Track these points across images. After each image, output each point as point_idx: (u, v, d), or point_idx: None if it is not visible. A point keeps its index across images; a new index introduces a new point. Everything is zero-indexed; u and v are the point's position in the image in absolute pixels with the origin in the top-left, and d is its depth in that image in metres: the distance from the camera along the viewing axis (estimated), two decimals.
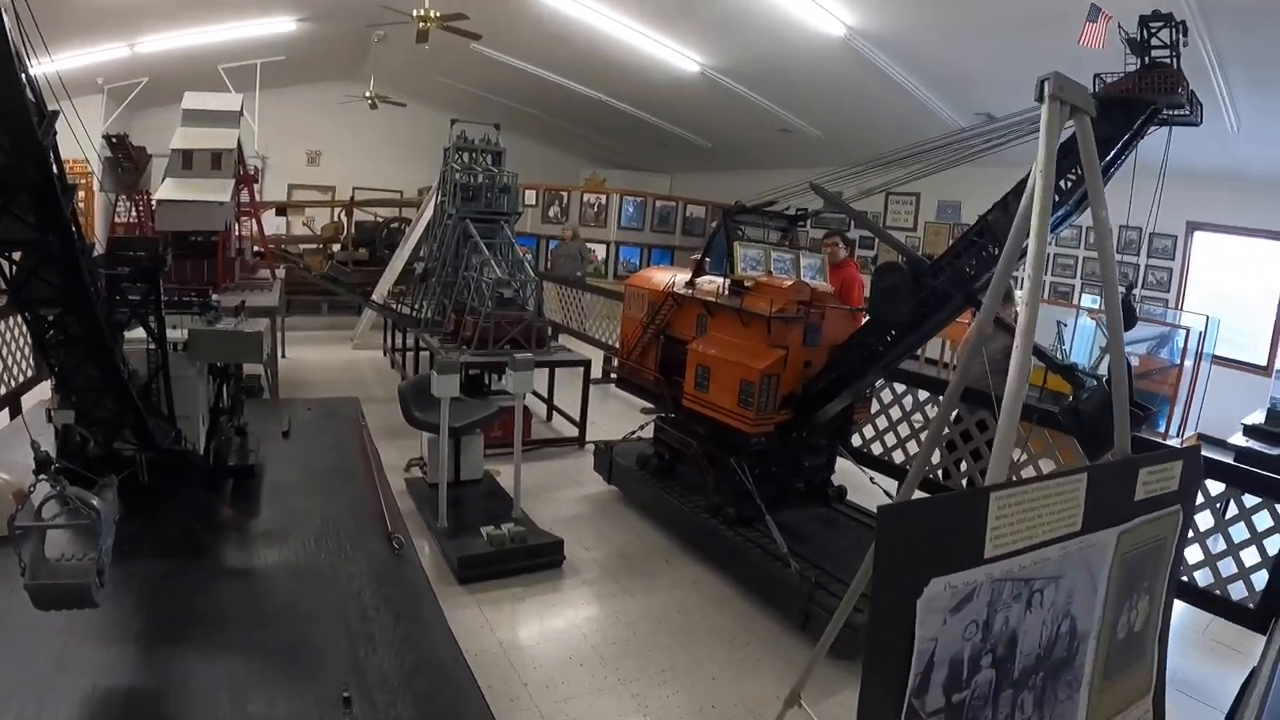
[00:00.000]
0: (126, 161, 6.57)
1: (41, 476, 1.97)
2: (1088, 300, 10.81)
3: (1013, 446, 2.00)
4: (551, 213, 16.79)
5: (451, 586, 4.68)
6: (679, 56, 12.06)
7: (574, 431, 7.81)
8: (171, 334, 3.36)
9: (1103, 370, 6.13)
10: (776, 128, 13.55)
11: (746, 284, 4.98)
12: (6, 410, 5.55)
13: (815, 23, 9.35)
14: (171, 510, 3.25)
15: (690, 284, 5.46)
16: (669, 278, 5.79)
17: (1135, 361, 8.92)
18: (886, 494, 5.26)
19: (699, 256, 5.68)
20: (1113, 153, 3.06)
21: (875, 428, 5.90)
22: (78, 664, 2.08)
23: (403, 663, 2.28)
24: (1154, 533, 2.17)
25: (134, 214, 7.32)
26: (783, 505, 5.09)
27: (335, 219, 14.34)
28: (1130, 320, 3.30)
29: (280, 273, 8.86)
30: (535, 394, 8.86)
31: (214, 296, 3.88)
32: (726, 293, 5.06)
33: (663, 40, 11.72)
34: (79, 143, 3.15)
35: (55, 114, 1.65)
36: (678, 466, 5.82)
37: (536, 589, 4.78)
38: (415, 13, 9.48)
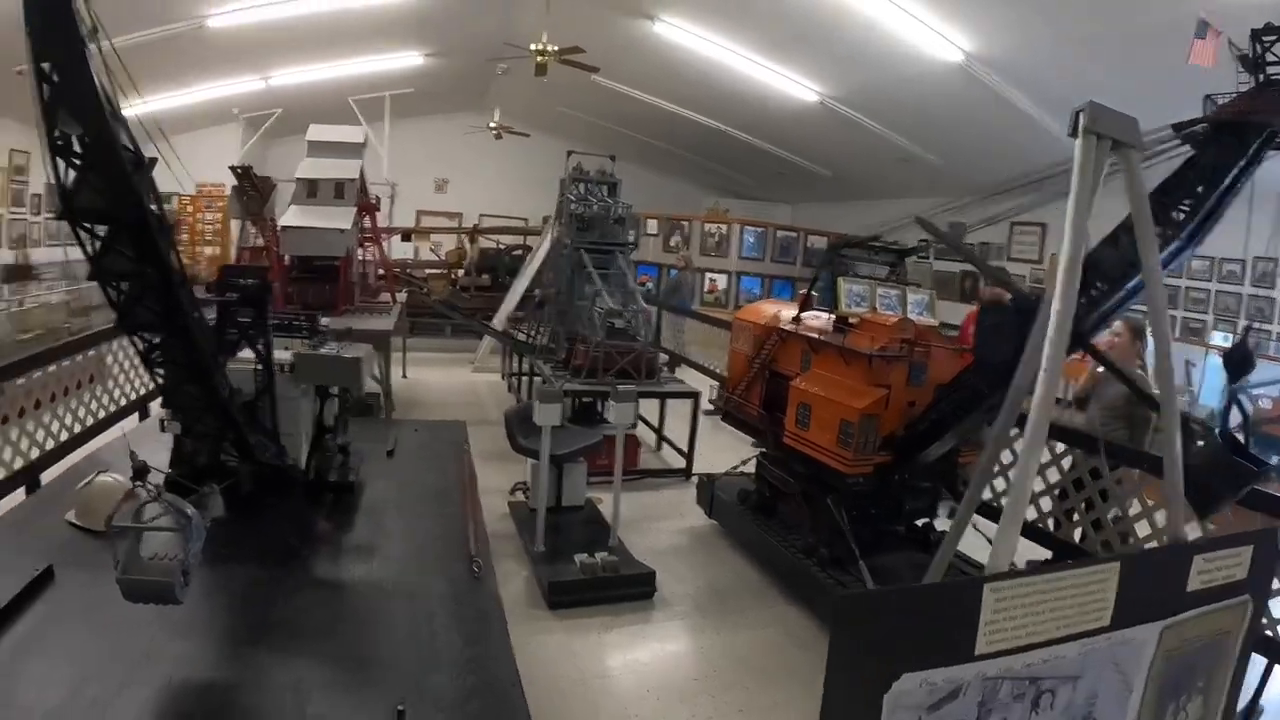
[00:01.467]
0: (252, 190, 7.23)
1: (138, 483, 2.21)
2: (1218, 337, 10.07)
3: (1018, 531, 1.86)
4: (673, 242, 17.03)
5: (541, 610, 4.82)
6: (797, 86, 12.13)
7: (682, 462, 7.88)
8: (280, 355, 3.67)
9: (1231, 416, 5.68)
10: (896, 156, 13.40)
11: (850, 321, 4.95)
12: (138, 414, 6.12)
13: (933, 50, 9.28)
14: (269, 520, 3.48)
15: (796, 319, 5.46)
16: (776, 312, 5.81)
17: (1267, 405, 8.17)
18: (987, 539, 5.04)
19: (805, 291, 5.67)
20: (1227, 180, 2.90)
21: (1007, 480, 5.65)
22: (161, 654, 2.27)
23: (462, 684, 2.37)
24: (1212, 626, 1.95)
25: (260, 238, 7.95)
26: (881, 548, 4.98)
27: (459, 245, 15.05)
28: (1248, 364, 3.15)
29: (401, 296, 9.37)
30: (645, 423, 9.01)
31: (323, 321, 4.17)
32: (830, 329, 5.05)
33: (780, 70, 11.84)
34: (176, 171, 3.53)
35: (152, 161, 1.86)
36: (778, 504, 5.78)
37: (625, 619, 4.85)
38: (533, 47, 9.91)
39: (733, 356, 6.29)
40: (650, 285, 16.85)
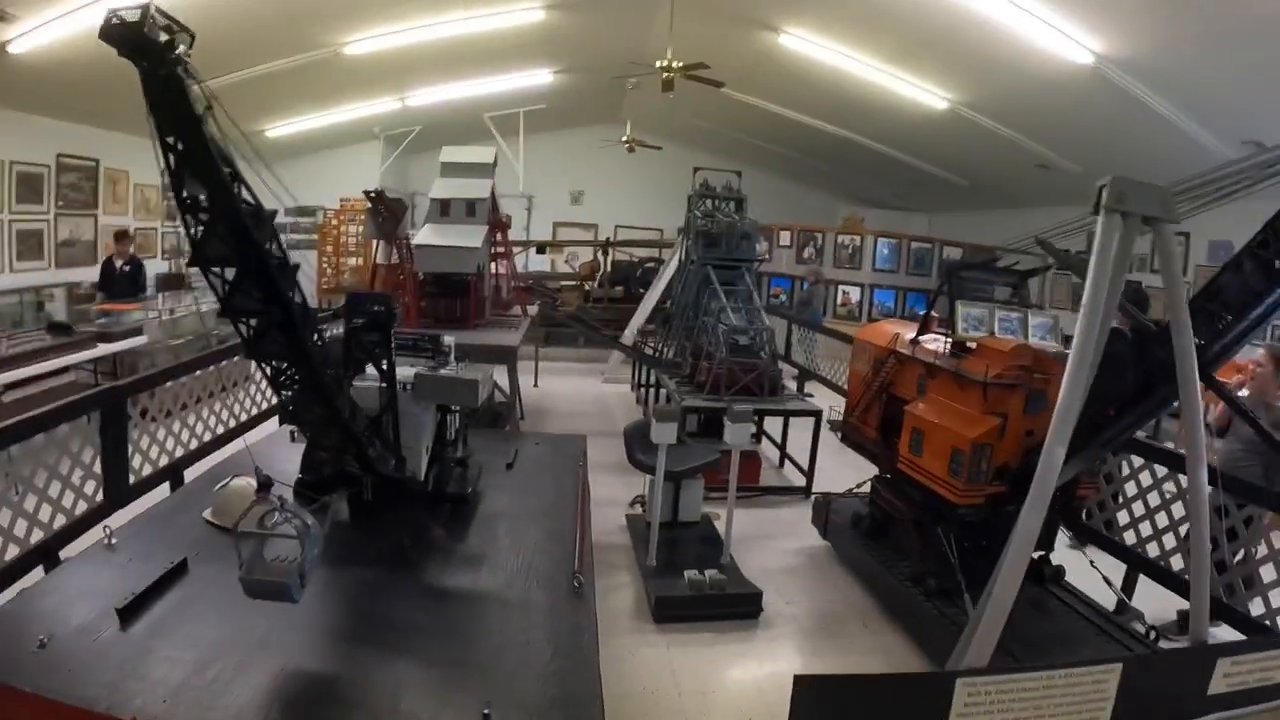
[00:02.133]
0: (385, 212, 7.80)
1: (261, 493, 2.53)
2: None
3: (999, 628, 1.72)
4: (806, 254, 16.91)
5: (647, 624, 4.99)
6: (925, 93, 11.89)
7: (802, 480, 7.87)
8: (404, 373, 4.00)
9: None
10: (1033, 164, 12.83)
11: (968, 345, 4.87)
12: (277, 418, 6.67)
13: (1062, 52, 8.92)
14: (387, 527, 3.78)
15: (914, 342, 5.39)
16: (896, 333, 5.73)
17: None
18: (1105, 580, 4.97)
19: (925, 313, 5.59)
20: None
21: (1113, 502, 5.42)
22: (276, 644, 2.57)
23: (545, 694, 2.56)
24: None
25: (395, 257, 8.52)
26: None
27: (593, 257, 15.50)
28: None
29: (533, 310, 9.79)
30: (769, 439, 9.04)
31: (446, 340, 4.48)
32: (947, 353, 4.98)
33: (907, 77, 11.65)
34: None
35: (272, 213, 2.15)
36: (890, 529, 5.72)
37: (728, 637, 4.94)
38: (659, 64, 10.13)
39: (853, 377, 6.27)
40: (784, 297, 16.81)
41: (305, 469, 3.63)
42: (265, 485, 2.53)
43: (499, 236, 8.95)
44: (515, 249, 14.60)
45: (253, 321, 2.34)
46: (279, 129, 15.15)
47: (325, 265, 17.60)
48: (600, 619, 4.84)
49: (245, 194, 2.06)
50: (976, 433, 4.45)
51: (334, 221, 17.91)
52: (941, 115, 12.27)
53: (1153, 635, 4.67)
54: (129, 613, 2.65)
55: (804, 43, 11.39)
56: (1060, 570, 5.16)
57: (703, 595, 5.12)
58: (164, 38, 1.80)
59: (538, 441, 5.88)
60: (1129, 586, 5.23)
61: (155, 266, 13.53)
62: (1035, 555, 5.11)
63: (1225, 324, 3.32)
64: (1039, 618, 4.77)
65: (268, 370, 2.57)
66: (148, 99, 1.83)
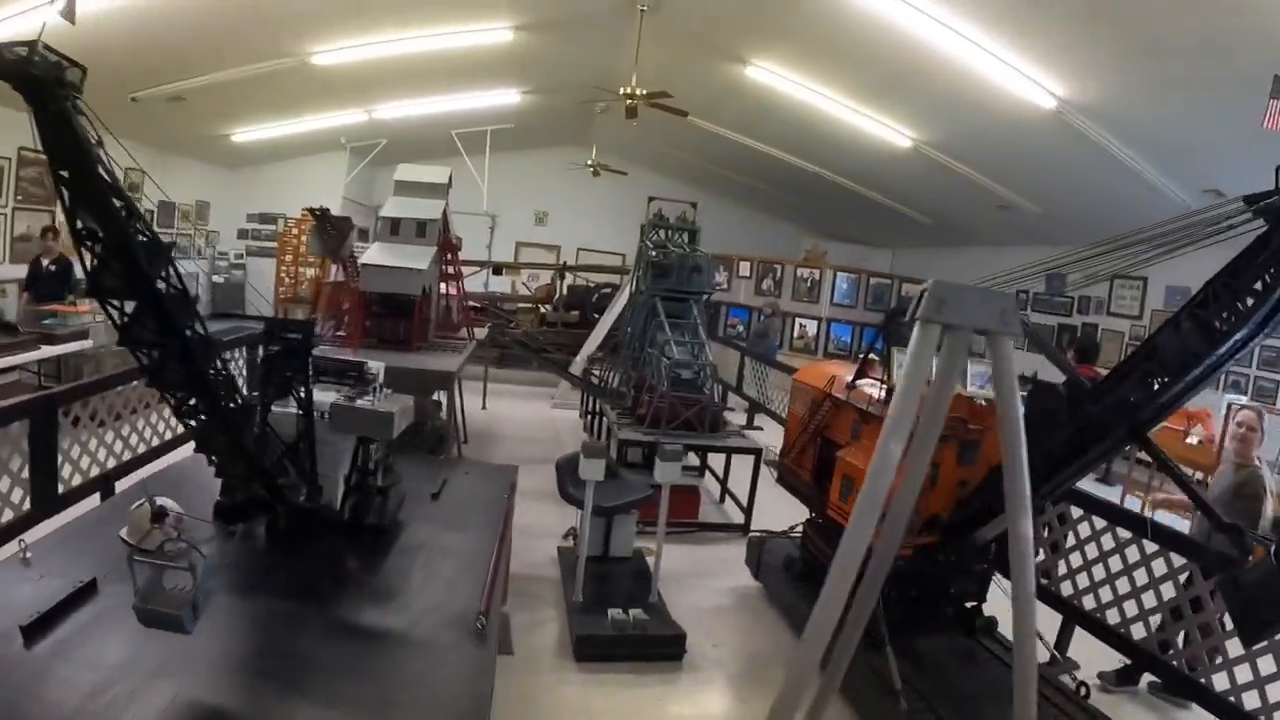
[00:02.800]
0: (331, 229, 7.79)
1: (155, 525, 2.52)
2: None
3: (830, 624, 1.75)
4: (765, 285, 17.09)
5: (568, 662, 4.96)
6: (890, 131, 12.17)
7: (743, 518, 7.90)
8: (327, 399, 3.99)
9: None
10: (995, 204, 13.18)
11: None
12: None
13: (1026, 95, 9.19)
14: (302, 557, 3.75)
15: (851, 385, 5.41)
16: (834, 375, 5.73)
17: None
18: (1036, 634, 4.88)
19: (862, 356, 5.65)
20: None
21: (1069, 564, 5.35)
22: (174, 672, 2.55)
23: None
24: None
25: (341, 275, 8.49)
26: (924, 630, 4.92)
27: (550, 281, 15.53)
28: None
29: (481, 333, 9.75)
30: (713, 474, 9.09)
31: (373, 367, 4.47)
32: (880, 400, 4.97)
33: (872, 115, 11.95)
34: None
35: (169, 246, 2.16)
36: (819, 574, 5.72)
37: (649, 679, 4.91)
38: (622, 90, 10.25)
39: (791, 418, 6.30)
40: (740, 328, 16.97)
41: (224, 493, 3.61)
42: (159, 515, 2.52)
43: (449, 257, 8.93)
44: (472, 269, 14.65)
45: (154, 352, 2.34)
46: (245, 134, 15.08)
47: (284, 274, 17.41)
48: (522, 655, 4.92)
49: (142, 228, 2.06)
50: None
51: (294, 231, 17.76)
52: (906, 153, 12.57)
53: (1083, 691, 4.67)
54: (33, 631, 2.61)
55: (772, 76, 11.61)
56: (992, 621, 5.15)
57: (624, 635, 5.09)
58: (53, 74, 1.81)
59: (467, 471, 5.86)
60: (1065, 639, 5.26)
61: None
62: (968, 606, 5.21)
63: (1161, 385, 3.34)
64: (966, 668, 4.79)
65: (171, 400, 2.56)
66: (39, 132, 1.84)
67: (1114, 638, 4.86)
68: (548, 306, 14.98)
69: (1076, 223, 11.28)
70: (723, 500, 8.73)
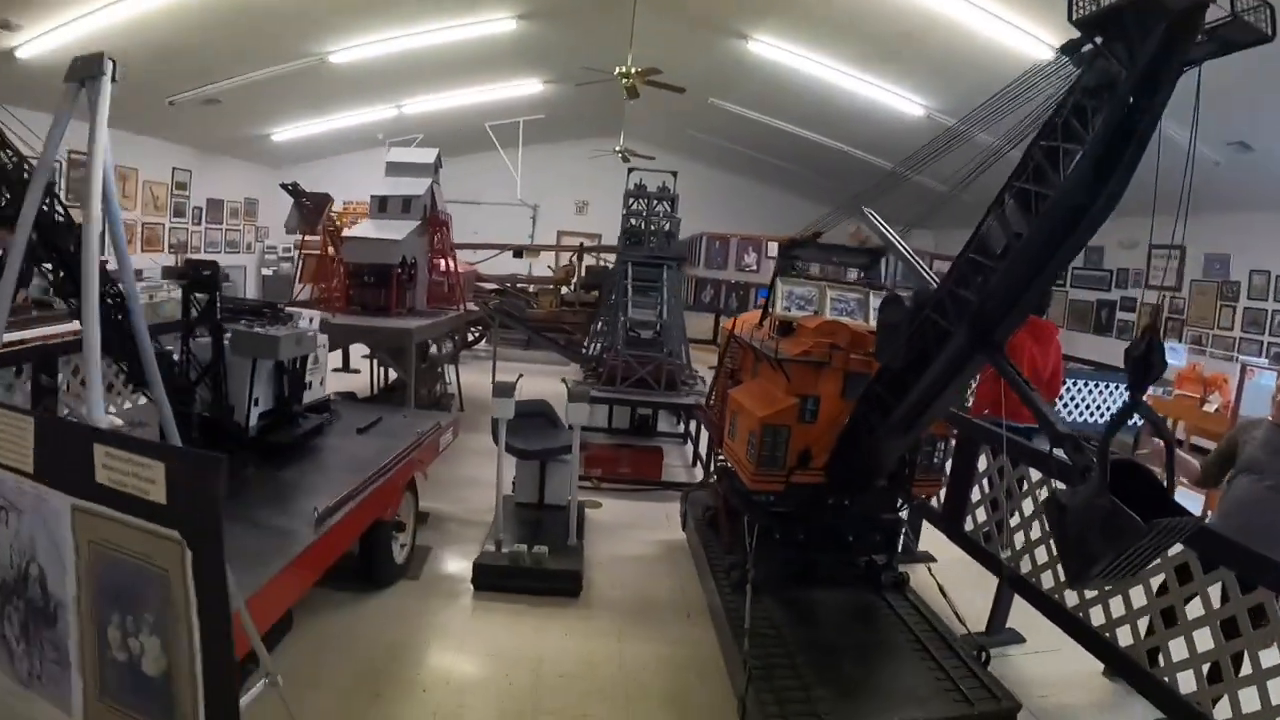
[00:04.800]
0: (308, 204, 8.29)
1: None
2: None
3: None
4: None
5: (467, 589, 5.27)
6: (901, 99, 12.09)
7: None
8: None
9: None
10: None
11: (795, 326, 4.78)
12: None
13: (1032, 53, 8.93)
14: None
15: (759, 326, 5.27)
16: (748, 318, 5.70)
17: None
18: (941, 590, 4.79)
19: (767, 296, 5.40)
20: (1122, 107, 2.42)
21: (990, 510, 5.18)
22: None
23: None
24: (138, 546, 1.73)
25: (325, 248, 9.04)
26: (826, 582, 4.82)
27: (570, 262, 15.88)
28: (1154, 367, 2.55)
29: (469, 307, 10.12)
30: (690, 437, 9.27)
31: (306, 315, 5.07)
32: (771, 334, 4.87)
33: (880, 83, 11.90)
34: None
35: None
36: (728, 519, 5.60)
37: (538, 611, 5.07)
38: (618, 70, 10.47)
39: (718, 366, 6.26)
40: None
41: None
42: None
43: (438, 233, 9.34)
44: (492, 252, 15.17)
45: None
46: (283, 133, 15.79)
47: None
48: (427, 580, 5.26)
49: None
50: (767, 412, 4.35)
51: (339, 222, 18.55)
52: (918, 123, 12.35)
53: (984, 656, 4.15)
54: None
55: (776, 50, 11.66)
56: (903, 577, 4.91)
57: (518, 567, 5.26)
58: None
59: (405, 414, 6.34)
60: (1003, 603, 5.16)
61: (162, 259, 14.31)
62: (878, 559, 4.95)
63: (989, 275, 2.96)
64: (851, 623, 4.56)
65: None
66: None
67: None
68: (567, 287, 15.36)
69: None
70: (695, 463, 8.85)
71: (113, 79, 2.46)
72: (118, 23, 8.80)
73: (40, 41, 9.07)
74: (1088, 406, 9.42)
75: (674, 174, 9.47)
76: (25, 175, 3.26)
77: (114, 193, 2.39)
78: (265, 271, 18.53)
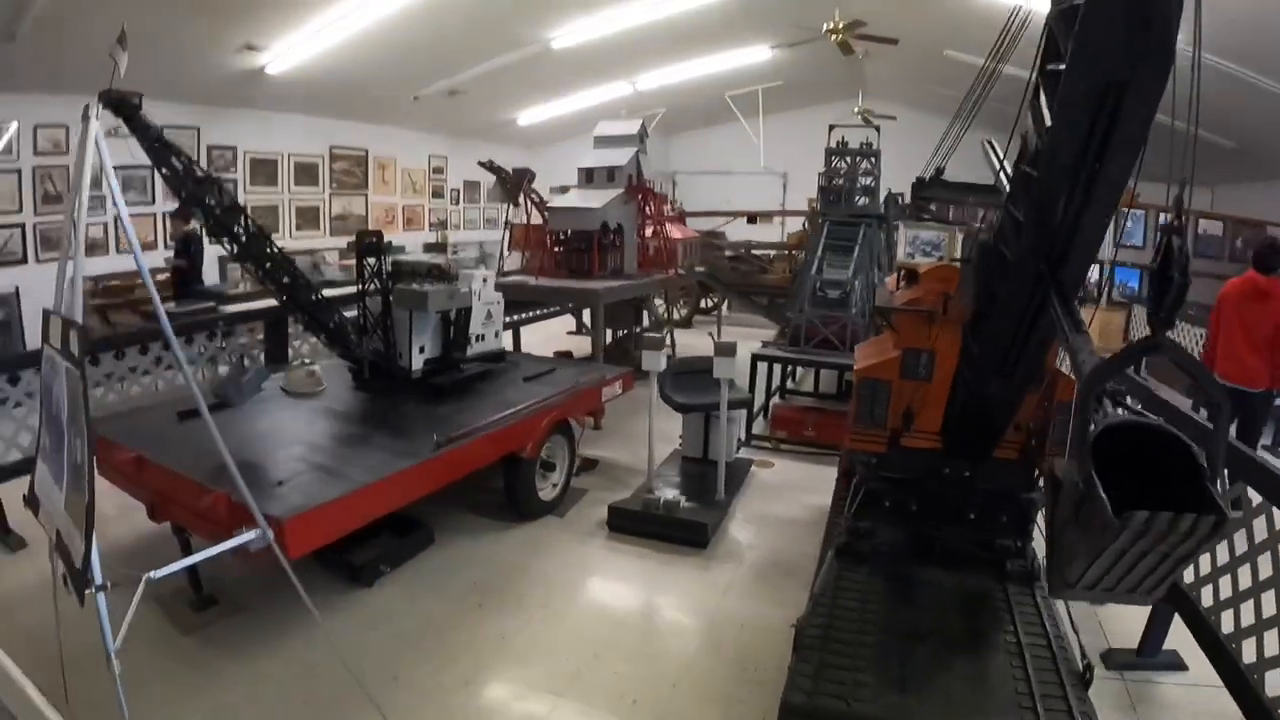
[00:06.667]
0: (508, 179, 9.16)
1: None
2: None
3: None
4: None
5: (603, 531, 5.66)
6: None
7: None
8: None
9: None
10: None
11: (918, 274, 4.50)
12: None
13: None
14: (373, 395, 5.67)
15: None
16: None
17: None
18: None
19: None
20: None
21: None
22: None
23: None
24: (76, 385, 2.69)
25: (528, 218, 9.89)
26: (940, 559, 4.09)
27: (803, 228, 15.67)
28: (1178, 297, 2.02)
29: (673, 272, 10.43)
30: None
31: (471, 274, 6.02)
32: (897, 285, 4.63)
33: None
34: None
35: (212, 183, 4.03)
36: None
37: (659, 557, 5.31)
38: (825, 27, 10.22)
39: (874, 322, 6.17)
40: None
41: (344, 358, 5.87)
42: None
43: (645, 200, 9.77)
44: (728, 219, 15.39)
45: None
46: (528, 117, 16.81)
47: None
48: (570, 519, 5.70)
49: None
50: (865, 364, 4.13)
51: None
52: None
53: (1087, 675, 3.23)
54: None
55: None
56: (1031, 571, 3.96)
57: (649, 514, 5.54)
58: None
59: (571, 366, 6.88)
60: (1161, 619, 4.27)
61: (423, 236, 16.14)
62: (1011, 545, 4.08)
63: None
64: (957, 615, 3.72)
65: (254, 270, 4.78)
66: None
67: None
68: (799, 252, 15.19)
69: None
70: None
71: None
72: (354, 34, 9.66)
73: (285, 58, 10.31)
74: None
75: (877, 128, 9.15)
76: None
77: (118, 193, 2.76)
78: None
